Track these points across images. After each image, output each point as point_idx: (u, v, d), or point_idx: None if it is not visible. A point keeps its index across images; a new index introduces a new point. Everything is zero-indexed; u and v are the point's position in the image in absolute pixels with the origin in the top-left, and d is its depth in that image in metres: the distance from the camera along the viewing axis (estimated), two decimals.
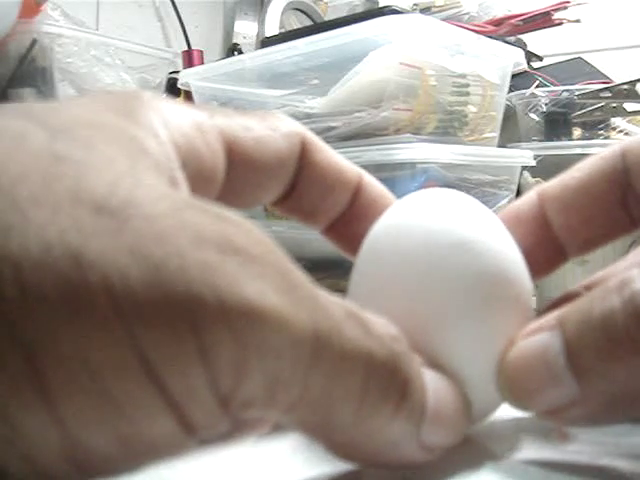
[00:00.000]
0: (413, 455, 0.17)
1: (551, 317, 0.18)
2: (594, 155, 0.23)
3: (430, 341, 0.18)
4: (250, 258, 0.14)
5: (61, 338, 0.12)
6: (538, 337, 0.18)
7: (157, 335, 0.13)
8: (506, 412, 0.20)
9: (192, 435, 0.14)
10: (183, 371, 0.13)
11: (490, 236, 0.20)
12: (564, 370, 0.17)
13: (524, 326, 0.19)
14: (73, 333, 0.12)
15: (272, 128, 0.21)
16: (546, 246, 0.23)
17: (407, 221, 0.20)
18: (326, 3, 0.93)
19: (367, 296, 0.20)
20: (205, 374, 0.13)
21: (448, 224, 0.20)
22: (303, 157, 0.22)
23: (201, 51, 1.00)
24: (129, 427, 0.13)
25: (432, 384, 0.17)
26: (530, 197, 0.24)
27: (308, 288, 0.15)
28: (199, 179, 0.18)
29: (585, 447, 0.20)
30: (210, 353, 0.13)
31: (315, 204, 0.24)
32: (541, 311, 0.20)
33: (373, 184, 0.24)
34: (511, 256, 0.20)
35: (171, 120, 0.18)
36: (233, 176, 0.20)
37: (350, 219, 0.24)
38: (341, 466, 0.18)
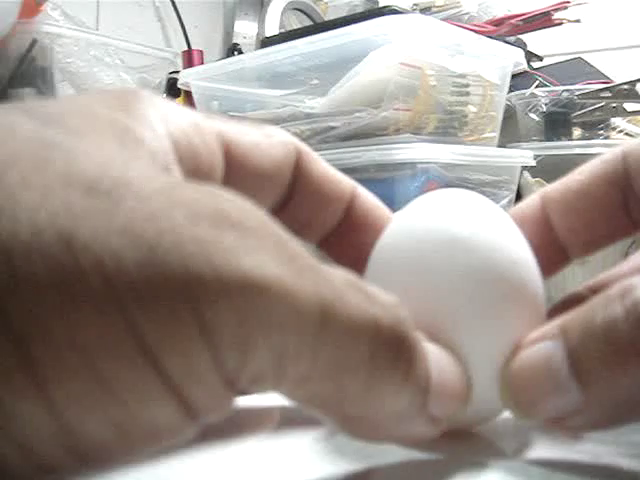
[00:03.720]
0: (421, 428, 0.17)
1: (553, 325, 0.18)
2: (596, 158, 0.23)
3: (437, 338, 0.18)
4: (246, 231, 0.14)
5: (53, 324, 0.12)
6: (541, 346, 0.18)
7: (155, 316, 0.12)
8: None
9: (194, 419, 0.14)
10: (184, 353, 0.13)
11: (500, 235, 0.20)
12: (568, 379, 0.17)
13: (535, 326, 0.19)
14: (66, 318, 0.12)
15: (268, 135, 0.22)
16: (549, 248, 0.23)
17: (416, 220, 0.21)
18: (326, 3, 0.93)
19: None
20: (208, 354, 0.13)
21: (454, 223, 0.20)
22: (298, 168, 0.22)
23: (201, 51, 1.00)
24: (125, 412, 0.13)
25: (434, 355, 0.17)
26: (533, 200, 0.24)
27: (307, 258, 0.14)
28: (196, 177, 0.18)
29: (586, 446, 0.20)
30: (212, 332, 0.13)
31: (311, 215, 0.23)
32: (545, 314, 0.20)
33: (367, 196, 0.24)
34: (522, 256, 0.20)
35: (169, 116, 0.18)
36: (231, 179, 0.20)
37: (345, 231, 0.24)
38: (346, 467, 0.18)
